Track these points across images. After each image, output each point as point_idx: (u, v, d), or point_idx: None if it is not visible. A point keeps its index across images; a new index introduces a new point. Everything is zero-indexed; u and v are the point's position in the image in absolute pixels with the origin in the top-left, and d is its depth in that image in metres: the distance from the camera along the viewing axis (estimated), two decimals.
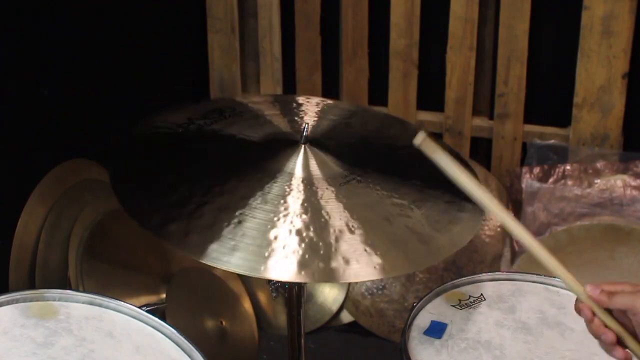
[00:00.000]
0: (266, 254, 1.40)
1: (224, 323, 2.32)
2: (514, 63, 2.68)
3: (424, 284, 2.55)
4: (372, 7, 2.75)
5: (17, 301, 1.45)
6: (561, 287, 1.72)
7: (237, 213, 1.44)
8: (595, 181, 2.61)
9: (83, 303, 1.49)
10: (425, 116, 2.82)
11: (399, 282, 2.60)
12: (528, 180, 2.65)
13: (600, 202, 2.56)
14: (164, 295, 2.23)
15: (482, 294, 1.71)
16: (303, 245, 1.42)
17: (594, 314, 1.29)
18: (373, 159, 1.64)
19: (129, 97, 2.49)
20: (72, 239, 2.13)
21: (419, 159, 1.65)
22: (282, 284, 2.59)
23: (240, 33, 2.87)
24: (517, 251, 2.62)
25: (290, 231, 1.43)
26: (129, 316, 1.49)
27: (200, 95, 2.92)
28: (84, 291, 1.71)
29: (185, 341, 1.46)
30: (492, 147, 2.80)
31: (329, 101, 1.83)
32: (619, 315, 1.29)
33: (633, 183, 2.58)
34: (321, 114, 1.76)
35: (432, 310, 1.67)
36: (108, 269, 2.16)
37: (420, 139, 1.31)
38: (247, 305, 2.48)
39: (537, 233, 2.57)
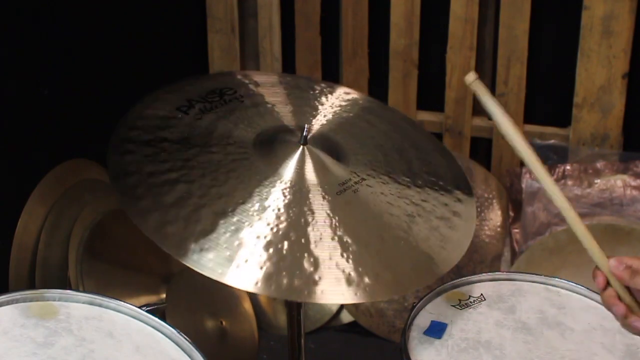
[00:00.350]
0: (262, 267, 1.38)
1: (224, 323, 2.32)
2: (514, 63, 2.68)
3: None
4: (372, 7, 2.75)
5: (17, 301, 1.45)
6: (561, 287, 1.72)
7: (233, 220, 1.43)
8: (595, 181, 2.61)
9: (83, 303, 1.49)
10: (425, 116, 2.82)
11: None
12: (528, 180, 2.65)
13: (600, 202, 2.56)
14: (164, 295, 2.23)
15: (482, 294, 1.71)
16: (294, 261, 1.40)
17: (608, 283, 1.27)
18: (375, 161, 1.61)
19: (129, 97, 2.48)
20: (72, 239, 2.13)
21: (421, 161, 1.65)
22: None
23: (240, 33, 2.87)
24: (517, 251, 2.62)
25: (280, 244, 1.41)
26: (129, 316, 1.49)
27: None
28: (84, 291, 1.71)
29: (185, 341, 1.46)
30: (492, 147, 2.79)
31: (344, 91, 1.78)
32: (637, 293, 1.27)
33: (633, 183, 2.58)
34: (329, 106, 1.72)
35: (432, 310, 1.66)
36: (108, 269, 2.16)
37: (471, 79, 1.32)
38: (247, 305, 2.48)
39: (537, 233, 2.57)
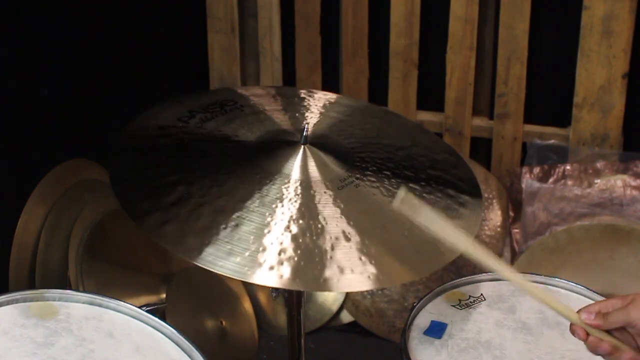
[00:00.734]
0: (262, 260, 1.39)
1: (224, 323, 2.32)
2: (514, 63, 2.68)
3: (424, 284, 2.55)
4: (372, 7, 2.75)
5: (17, 301, 1.45)
6: (561, 287, 1.72)
7: (234, 216, 1.44)
8: (595, 181, 2.61)
9: (83, 303, 1.49)
10: (425, 116, 2.82)
11: None
12: (528, 180, 2.65)
13: (600, 202, 2.56)
14: (164, 295, 2.23)
15: (482, 294, 1.71)
16: (299, 252, 1.41)
17: (587, 333, 1.31)
18: (374, 159, 1.63)
19: (128, 97, 2.49)
20: (72, 239, 2.13)
21: (420, 159, 1.66)
22: None
23: (240, 33, 2.87)
24: (517, 251, 2.62)
25: (287, 237, 1.43)
26: (129, 316, 1.49)
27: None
28: (84, 291, 1.71)
29: (185, 341, 1.46)
30: (492, 147, 2.80)
31: (332, 96, 1.82)
32: (617, 332, 1.30)
33: (633, 183, 2.58)
34: (324, 110, 1.75)
35: (432, 310, 1.67)
36: (108, 269, 2.16)
37: (400, 198, 1.34)
38: (247, 305, 2.48)
39: (537, 233, 2.57)
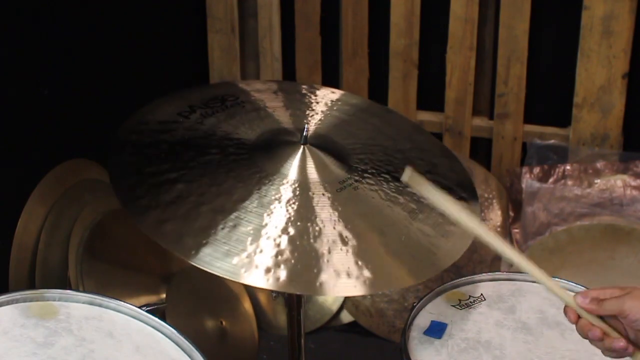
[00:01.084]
0: (258, 262, 1.39)
1: (224, 323, 2.32)
2: (514, 63, 2.68)
3: (424, 284, 2.55)
4: (372, 7, 2.75)
5: (17, 301, 1.45)
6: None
7: (232, 216, 1.44)
8: (595, 181, 2.61)
9: (83, 303, 1.49)
10: (425, 116, 2.82)
11: None
12: (528, 180, 2.65)
13: (600, 202, 2.56)
14: (164, 295, 2.23)
15: (482, 294, 1.71)
16: (296, 254, 1.41)
17: (578, 316, 1.31)
18: (373, 161, 1.63)
19: (128, 97, 2.49)
20: (72, 239, 2.13)
21: (419, 163, 1.65)
22: None
23: (240, 33, 2.87)
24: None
25: (284, 239, 1.42)
26: (129, 316, 1.49)
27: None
28: (84, 291, 1.71)
29: (185, 341, 1.46)
30: (492, 147, 2.80)
31: (335, 93, 1.81)
32: (612, 321, 1.30)
33: (633, 183, 2.58)
34: (325, 109, 1.74)
35: (432, 310, 1.67)
36: (108, 269, 2.16)
37: (408, 175, 1.33)
38: (247, 305, 2.48)
39: (537, 233, 2.57)
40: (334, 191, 1.51)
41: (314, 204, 1.48)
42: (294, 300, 1.66)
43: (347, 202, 1.50)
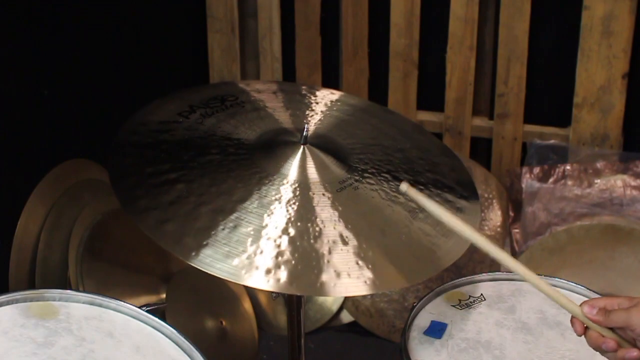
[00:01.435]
0: (259, 263, 1.39)
1: (224, 323, 2.32)
2: (514, 63, 2.68)
3: (424, 284, 2.55)
4: (372, 7, 2.75)
5: (17, 301, 1.45)
6: (561, 287, 1.72)
7: (232, 217, 1.44)
8: (595, 181, 2.61)
9: (83, 303, 1.49)
10: (425, 116, 2.82)
11: None
12: (528, 180, 2.65)
13: (600, 202, 2.56)
14: (164, 295, 2.23)
15: (482, 294, 1.71)
16: (296, 255, 1.41)
17: (586, 327, 1.30)
18: (373, 161, 1.63)
19: (128, 97, 2.49)
20: (72, 239, 2.13)
21: (419, 162, 1.65)
22: None
23: (240, 33, 2.87)
24: (517, 251, 2.62)
25: (284, 239, 1.42)
26: (129, 316, 1.49)
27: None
28: (84, 291, 1.71)
29: (185, 341, 1.46)
30: (492, 147, 2.80)
31: (335, 94, 1.81)
32: (620, 332, 1.29)
33: (633, 183, 2.58)
34: (325, 109, 1.74)
35: (432, 310, 1.67)
36: (108, 269, 2.16)
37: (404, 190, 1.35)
38: (247, 305, 2.48)
39: (537, 233, 2.57)
40: (334, 191, 1.51)
41: (314, 204, 1.48)
42: (294, 300, 1.66)
43: (347, 202, 1.50)
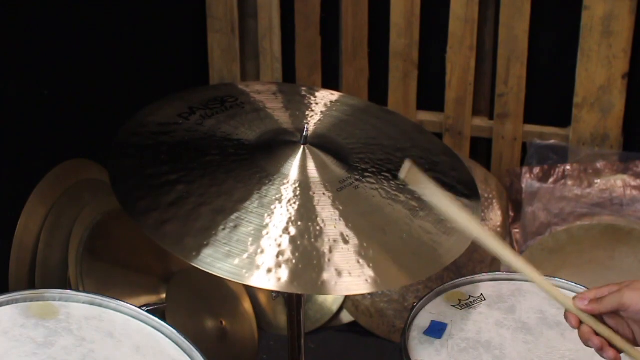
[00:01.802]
0: (260, 262, 1.39)
1: (224, 323, 2.32)
2: (514, 63, 2.68)
3: (424, 284, 2.55)
4: (372, 7, 2.75)
5: (17, 301, 1.45)
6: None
7: (233, 217, 1.44)
8: (595, 181, 2.61)
9: (83, 303, 1.49)
10: (425, 116, 2.82)
11: None
12: (528, 180, 2.65)
13: (600, 202, 2.56)
14: (164, 295, 2.23)
15: (482, 294, 1.71)
16: (297, 254, 1.41)
17: (580, 321, 1.30)
18: (373, 160, 1.63)
19: (128, 97, 2.49)
20: (72, 239, 2.13)
21: (420, 161, 1.65)
22: None
23: (240, 33, 2.87)
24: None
25: (285, 239, 1.42)
26: (129, 316, 1.49)
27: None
28: (84, 291, 1.71)
29: (185, 341, 1.46)
30: (492, 147, 2.80)
31: (334, 95, 1.81)
32: (612, 319, 1.29)
33: (633, 183, 2.58)
34: (325, 109, 1.74)
35: (432, 310, 1.67)
36: (108, 269, 2.16)
37: (406, 169, 1.33)
38: (247, 305, 2.48)
39: (537, 233, 2.57)
40: (335, 190, 1.51)
41: (315, 204, 1.48)
42: (294, 300, 1.66)
43: (347, 202, 1.50)
